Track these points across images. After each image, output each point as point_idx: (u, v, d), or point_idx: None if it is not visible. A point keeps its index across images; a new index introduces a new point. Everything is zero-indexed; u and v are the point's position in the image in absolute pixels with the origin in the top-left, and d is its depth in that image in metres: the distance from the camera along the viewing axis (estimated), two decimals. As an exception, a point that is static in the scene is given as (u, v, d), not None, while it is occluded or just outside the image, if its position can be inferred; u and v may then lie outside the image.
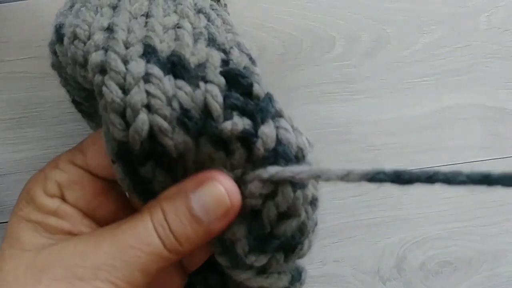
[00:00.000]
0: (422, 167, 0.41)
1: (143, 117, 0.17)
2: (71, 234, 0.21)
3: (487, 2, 0.42)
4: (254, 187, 0.19)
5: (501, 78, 0.42)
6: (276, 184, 0.19)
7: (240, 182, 0.20)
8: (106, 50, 0.18)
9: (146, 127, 0.17)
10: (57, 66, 0.22)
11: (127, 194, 0.24)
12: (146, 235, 0.19)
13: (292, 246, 0.20)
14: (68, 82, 0.23)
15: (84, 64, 0.19)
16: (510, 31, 0.42)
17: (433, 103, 0.41)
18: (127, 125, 0.17)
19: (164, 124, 0.17)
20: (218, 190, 0.19)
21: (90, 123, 0.27)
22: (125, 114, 0.17)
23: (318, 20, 0.41)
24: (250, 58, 0.21)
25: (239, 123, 0.18)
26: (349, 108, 0.41)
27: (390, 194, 0.40)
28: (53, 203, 0.21)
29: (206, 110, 0.18)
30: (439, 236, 0.41)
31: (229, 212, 0.20)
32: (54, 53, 0.21)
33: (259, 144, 0.18)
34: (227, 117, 0.18)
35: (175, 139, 0.18)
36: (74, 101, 0.26)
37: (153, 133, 0.18)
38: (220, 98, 0.18)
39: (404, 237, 0.41)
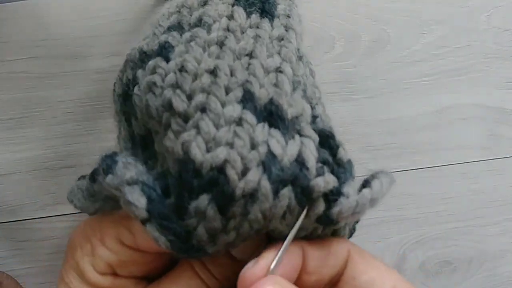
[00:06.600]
0: (422, 167, 0.41)
1: (222, 150, 0.17)
2: None
3: (487, 2, 0.42)
4: None
5: (501, 78, 0.42)
6: None
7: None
8: (208, 93, 0.18)
9: (222, 157, 0.17)
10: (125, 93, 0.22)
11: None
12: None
13: None
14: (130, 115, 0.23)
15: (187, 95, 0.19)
16: (510, 31, 0.42)
17: (433, 103, 0.41)
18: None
19: (238, 159, 0.17)
20: None
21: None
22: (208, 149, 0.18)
23: (318, 20, 0.41)
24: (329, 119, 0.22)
25: (330, 180, 0.18)
26: (349, 108, 0.41)
27: (390, 194, 0.40)
28: (106, 281, 0.21)
29: (299, 160, 0.18)
30: (439, 236, 0.41)
31: None
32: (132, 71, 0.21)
33: (342, 203, 0.18)
34: (319, 173, 0.18)
35: (248, 179, 0.17)
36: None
37: (223, 170, 0.17)
38: (315, 153, 0.18)
39: (404, 237, 0.41)
